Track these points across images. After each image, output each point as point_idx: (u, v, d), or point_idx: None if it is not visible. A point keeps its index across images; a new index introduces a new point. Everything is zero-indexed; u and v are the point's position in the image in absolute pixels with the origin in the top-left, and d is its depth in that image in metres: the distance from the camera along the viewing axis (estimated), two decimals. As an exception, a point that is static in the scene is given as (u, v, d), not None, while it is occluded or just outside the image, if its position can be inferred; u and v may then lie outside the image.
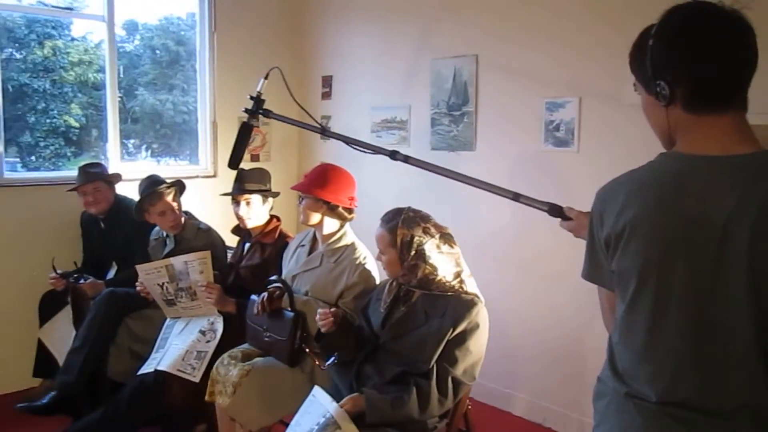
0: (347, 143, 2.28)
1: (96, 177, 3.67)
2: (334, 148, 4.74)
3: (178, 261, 3.03)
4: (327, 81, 4.83)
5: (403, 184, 4.19)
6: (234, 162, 2.46)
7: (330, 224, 2.73)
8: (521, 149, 3.62)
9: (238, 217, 3.14)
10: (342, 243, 2.71)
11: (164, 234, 3.47)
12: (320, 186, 2.68)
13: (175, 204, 3.38)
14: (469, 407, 2.42)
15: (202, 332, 2.95)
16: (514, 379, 3.73)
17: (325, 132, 2.35)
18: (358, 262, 2.64)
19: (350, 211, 2.74)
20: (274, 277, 2.74)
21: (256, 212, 3.12)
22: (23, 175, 4.31)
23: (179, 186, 3.47)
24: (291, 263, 2.85)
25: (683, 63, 1.20)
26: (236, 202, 3.13)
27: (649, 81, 1.25)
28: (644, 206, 1.21)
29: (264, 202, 3.15)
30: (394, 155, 2.12)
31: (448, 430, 2.33)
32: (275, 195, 3.22)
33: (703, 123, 1.21)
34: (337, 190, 2.69)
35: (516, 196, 1.84)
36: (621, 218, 1.23)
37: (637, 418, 1.24)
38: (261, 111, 2.42)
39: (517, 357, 3.70)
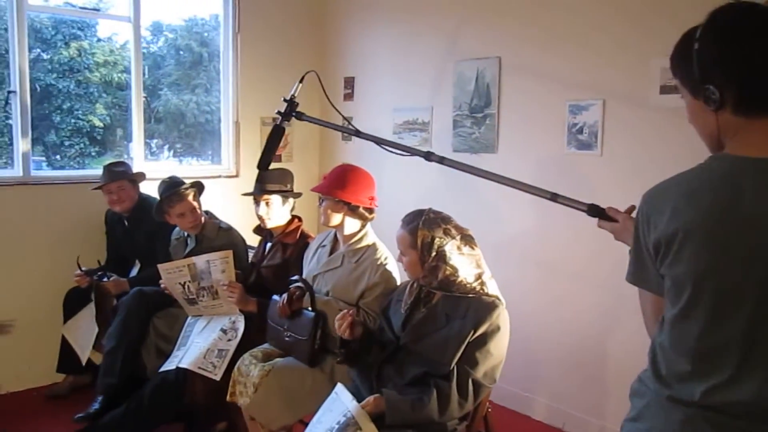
0: (379, 144, 2.29)
1: (120, 176, 3.72)
2: (356, 149, 4.75)
3: (200, 260, 3.05)
4: (349, 82, 4.84)
5: (425, 185, 4.19)
6: (264, 164, 2.45)
7: (351, 225, 2.73)
8: (544, 152, 3.60)
9: (259, 217, 3.16)
10: (363, 243, 2.72)
11: (185, 233, 3.50)
12: (340, 187, 2.69)
13: (194, 205, 3.41)
14: (489, 410, 2.41)
15: (224, 331, 2.97)
16: (534, 382, 3.71)
17: (359, 134, 2.35)
18: (379, 262, 2.65)
19: (371, 211, 2.74)
20: (295, 277, 2.75)
21: (276, 212, 3.14)
22: (49, 173, 4.38)
23: (198, 187, 3.50)
24: (312, 263, 2.86)
25: (732, 66, 1.18)
26: (257, 202, 3.15)
27: (696, 85, 1.23)
28: (698, 210, 1.19)
29: (284, 202, 3.16)
30: (429, 156, 2.11)
31: (468, 433, 2.33)
32: (297, 195, 3.23)
33: (753, 125, 1.20)
34: (357, 191, 2.69)
35: (554, 197, 1.83)
36: (672, 222, 1.21)
37: (674, 421, 1.24)
38: (294, 114, 2.42)
39: (537, 360, 3.67)
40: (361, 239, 2.73)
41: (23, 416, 3.49)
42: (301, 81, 2.45)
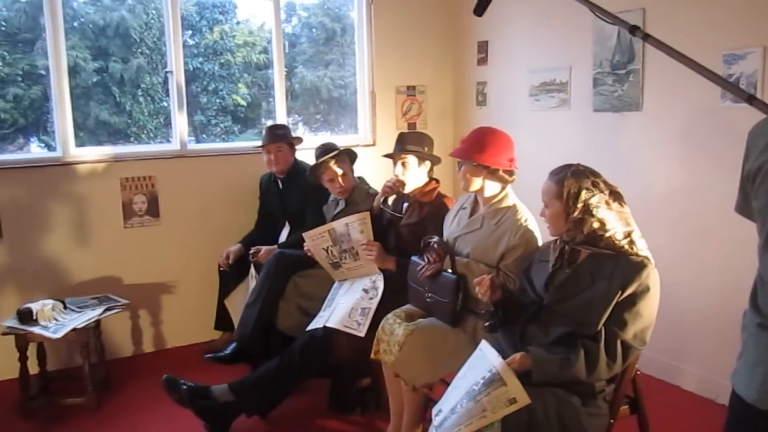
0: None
1: (281, 138, 3.94)
2: (492, 115, 4.69)
3: (339, 224, 3.19)
4: (483, 47, 4.77)
5: (565, 148, 4.06)
6: (480, 9, 2.45)
7: (491, 187, 2.70)
8: (694, 107, 3.37)
9: (395, 177, 3.21)
10: (503, 205, 2.69)
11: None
12: (479, 151, 2.66)
13: (343, 171, 3.54)
14: (638, 373, 2.33)
15: (365, 290, 3.10)
16: (684, 352, 3.52)
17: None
18: (519, 223, 2.61)
19: (511, 173, 2.70)
20: (435, 238, 2.77)
21: (411, 174, 3.17)
22: (202, 146, 4.67)
23: (348, 154, 3.62)
24: (453, 226, 2.87)
25: None
26: (395, 163, 3.22)
27: None
28: None
29: (420, 164, 3.19)
30: (633, 30, 2.07)
31: (616, 396, 2.25)
32: (435, 160, 3.25)
33: None
34: (496, 154, 2.65)
35: (750, 99, 1.74)
36: (761, 156, 1.26)
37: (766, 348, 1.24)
38: None
39: (687, 330, 3.48)
40: (501, 201, 2.70)
41: (183, 368, 3.76)
42: None
